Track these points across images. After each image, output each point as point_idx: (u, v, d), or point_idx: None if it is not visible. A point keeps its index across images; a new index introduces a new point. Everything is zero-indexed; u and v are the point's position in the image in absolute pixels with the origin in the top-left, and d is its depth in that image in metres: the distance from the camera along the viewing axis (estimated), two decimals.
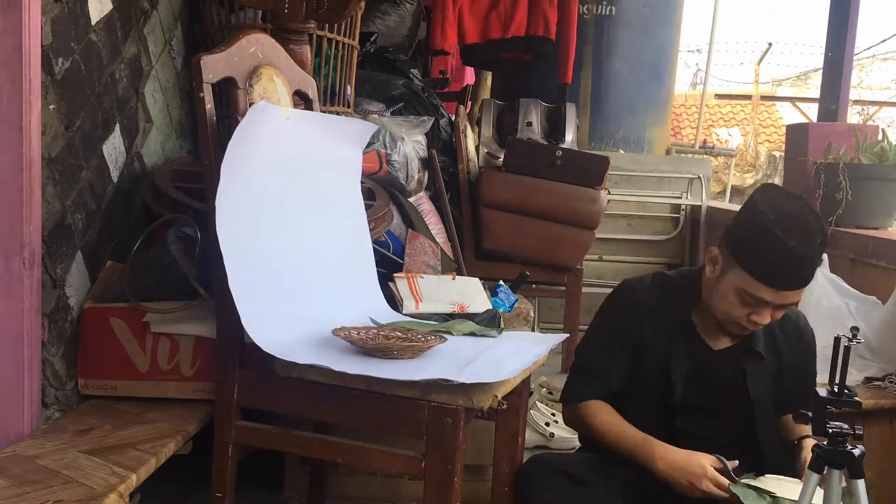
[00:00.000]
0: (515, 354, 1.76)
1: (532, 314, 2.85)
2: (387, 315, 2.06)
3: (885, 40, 13.66)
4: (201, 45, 2.77)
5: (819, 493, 1.52)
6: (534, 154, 3.56)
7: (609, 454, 1.87)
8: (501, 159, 3.63)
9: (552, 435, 2.70)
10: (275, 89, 1.91)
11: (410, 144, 3.03)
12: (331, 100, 2.82)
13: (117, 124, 2.21)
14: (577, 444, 2.11)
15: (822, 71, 4.27)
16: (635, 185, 5.00)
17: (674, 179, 5.08)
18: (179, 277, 1.93)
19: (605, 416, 1.89)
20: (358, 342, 1.71)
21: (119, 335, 1.94)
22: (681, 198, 4.98)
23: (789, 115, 12.91)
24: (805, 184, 3.53)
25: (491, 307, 2.29)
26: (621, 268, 4.77)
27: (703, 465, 1.73)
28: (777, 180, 9.32)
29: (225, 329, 1.75)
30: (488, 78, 5.43)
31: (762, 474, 1.78)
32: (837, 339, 1.50)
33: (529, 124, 4.08)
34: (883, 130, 3.77)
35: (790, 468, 1.83)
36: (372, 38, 3.63)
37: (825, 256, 2.98)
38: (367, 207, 2.26)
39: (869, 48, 13.05)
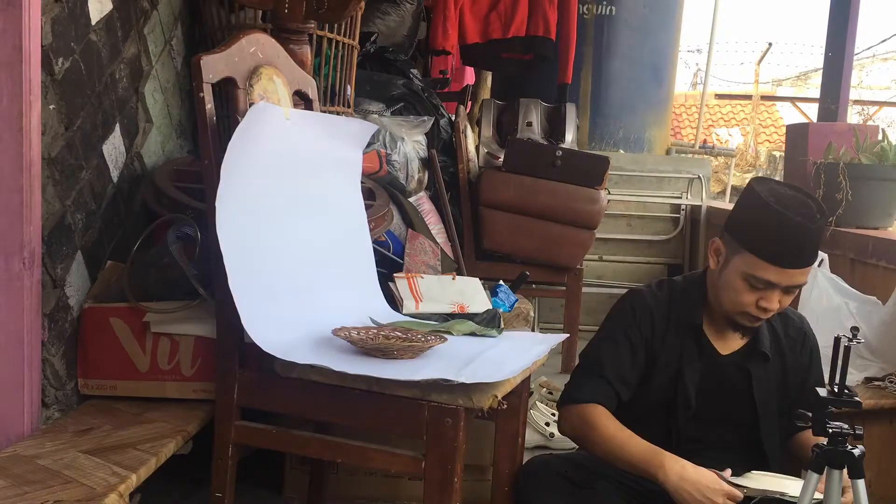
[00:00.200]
0: (515, 354, 1.76)
1: (532, 314, 2.85)
2: (387, 315, 2.06)
3: (885, 40, 13.68)
4: (201, 45, 2.77)
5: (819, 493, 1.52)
6: (534, 154, 3.56)
7: (604, 460, 1.82)
8: (501, 159, 3.63)
9: (552, 435, 2.69)
10: (275, 89, 1.91)
11: (410, 144, 3.03)
12: (331, 100, 2.82)
13: (117, 124, 2.21)
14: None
15: (822, 71, 4.27)
16: (635, 185, 5.00)
17: (674, 179, 5.08)
18: (179, 277, 1.93)
19: (607, 421, 1.82)
20: (358, 342, 1.71)
21: (119, 335, 1.94)
22: (681, 198, 4.99)
23: (789, 115, 12.93)
24: (805, 184, 3.51)
25: (491, 307, 2.29)
26: (621, 268, 4.77)
27: (717, 480, 1.71)
28: None
29: (225, 329, 1.75)
30: (488, 78, 5.44)
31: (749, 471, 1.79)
32: (837, 339, 1.50)
33: (529, 124, 4.09)
34: (883, 130, 3.77)
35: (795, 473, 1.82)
36: (372, 38, 3.62)
37: (825, 256, 2.98)
38: (367, 207, 2.26)
39: (869, 48, 13.07)
